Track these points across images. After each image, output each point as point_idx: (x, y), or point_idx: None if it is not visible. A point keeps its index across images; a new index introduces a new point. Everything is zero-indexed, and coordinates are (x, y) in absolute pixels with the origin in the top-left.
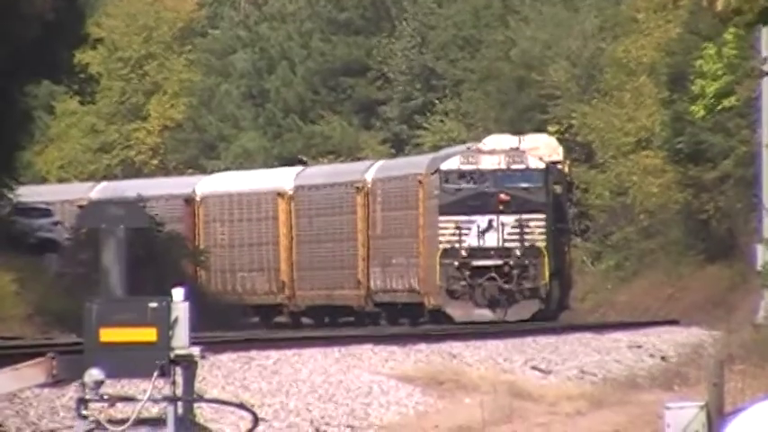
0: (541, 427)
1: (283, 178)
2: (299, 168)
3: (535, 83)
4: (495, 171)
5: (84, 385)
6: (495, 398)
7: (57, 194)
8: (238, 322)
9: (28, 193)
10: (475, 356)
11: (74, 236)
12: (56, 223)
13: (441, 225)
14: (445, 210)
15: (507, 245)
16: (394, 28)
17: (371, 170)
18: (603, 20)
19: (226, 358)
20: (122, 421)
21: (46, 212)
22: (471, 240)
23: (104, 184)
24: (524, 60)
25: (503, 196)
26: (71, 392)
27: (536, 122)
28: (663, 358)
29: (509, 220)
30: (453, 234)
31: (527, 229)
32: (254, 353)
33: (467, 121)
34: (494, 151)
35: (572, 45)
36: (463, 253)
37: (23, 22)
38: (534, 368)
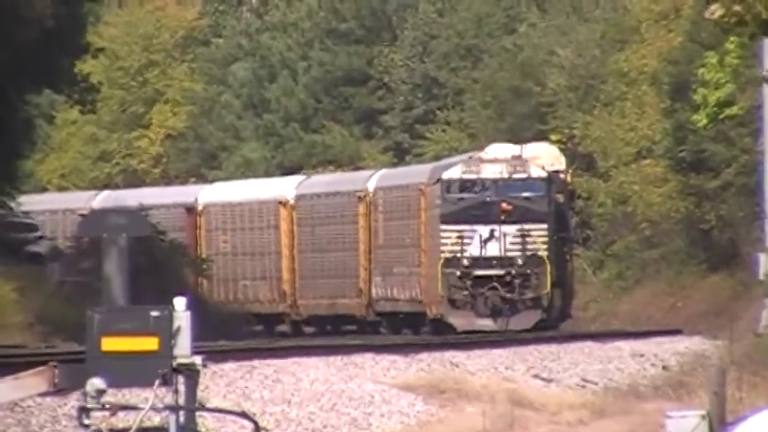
0: None
1: (285, 187)
2: (300, 177)
3: (535, 92)
4: (496, 180)
5: (85, 394)
6: (496, 407)
7: (58, 203)
8: (240, 331)
9: (29, 202)
10: (476, 365)
11: (75, 244)
12: (41, 237)
13: (442, 234)
14: (447, 219)
15: (509, 254)
16: (395, 37)
17: (373, 179)
18: (605, 29)
19: (228, 367)
20: (124, 430)
21: (31, 227)
22: (473, 250)
23: (106, 193)
24: (525, 69)
25: (505, 205)
26: (73, 401)
27: (538, 132)
28: (665, 367)
29: (511, 229)
30: (455, 243)
31: (529, 239)
32: (255, 362)
33: (469, 131)
34: (496, 160)
35: (569, 55)
36: (465, 262)
37: (23, 24)
38: (536, 377)
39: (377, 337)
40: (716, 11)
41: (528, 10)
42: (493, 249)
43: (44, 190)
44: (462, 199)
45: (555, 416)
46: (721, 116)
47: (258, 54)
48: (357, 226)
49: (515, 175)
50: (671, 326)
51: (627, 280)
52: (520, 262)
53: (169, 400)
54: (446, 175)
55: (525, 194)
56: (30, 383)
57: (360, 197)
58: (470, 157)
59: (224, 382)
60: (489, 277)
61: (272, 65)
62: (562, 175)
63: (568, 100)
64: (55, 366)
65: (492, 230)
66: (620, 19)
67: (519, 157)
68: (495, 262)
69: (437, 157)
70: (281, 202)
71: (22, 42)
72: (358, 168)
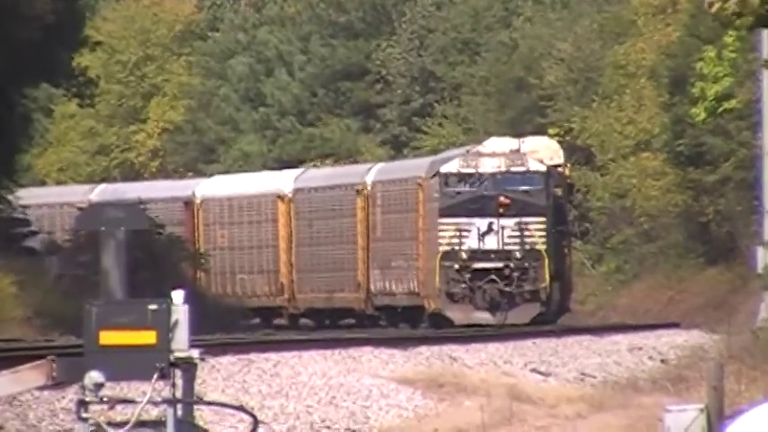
0: (541, 429)
1: (283, 181)
2: (298, 171)
3: (534, 85)
4: (495, 174)
5: (83, 388)
6: (494, 400)
7: (57, 197)
8: (238, 325)
9: (28, 196)
10: (475, 359)
11: (73, 238)
12: (34, 233)
13: (441, 228)
14: (445, 212)
15: (507, 247)
16: (394, 31)
17: (371, 173)
18: (603, 23)
19: (225, 361)
20: (122, 424)
21: (23, 222)
22: (471, 243)
23: (104, 186)
24: (523, 62)
25: (503, 199)
26: (71, 395)
27: (536, 125)
28: (663, 361)
29: (509, 222)
30: (453, 237)
31: (527, 232)
32: (253, 355)
33: (465, 125)
34: (494, 154)
35: (567, 48)
36: (463, 255)
37: (23, 23)
38: (534, 371)
39: (375, 330)
40: (714, 3)
41: (524, 3)
42: (491, 243)
43: (42, 184)
44: (460, 192)
45: (553, 409)
46: (720, 110)
47: (254, 48)
48: (355, 219)
49: (513, 169)
50: (669, 319)
51: (625, 273)
52: (518, 255)
53: (167, 393)
54: (444, 169)
55: (523, 188)
56: (28, 377)
57: (358, 191)
58: (468, 151)
59: (222, 376)
60: (487, 270)
61: (268, 59)
62: (560, 169)
63: (567, 93)
64: (53, 360)
65: (490, 224)
66: (619, 12)
67: (517, 151)
68: (493, 255)
69: (434, 151)
70: (279, 196)
71: (22, 40)
72: (356, 162)
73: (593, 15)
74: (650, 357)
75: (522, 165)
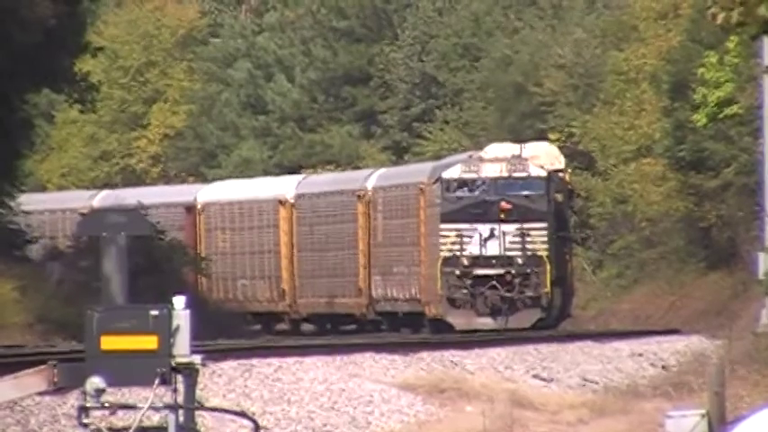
0: None
1: (284, 186)
2: (300, 177)
3: (534, 91)
4: (496, 179)
5: (85, 393)
6: (496, 406)
7: (58, 203)
8: (239, 330)
9: (31, 201)
10: (476, 364)
11: (75, 244)
12: (30, 241)
13: (442, 233)
14: (446, 218)
15: (509, 253)
16: (395, 36)
17: (372, 178)
18: (604, 28)
19: (227, 366)
20: (124, 429)
21: (18, 232)
22: (473, 249)
23: (106, 192)
24: (523, 69)
25: (504, 204)
26: (72, 400)
27: (537, 130)
28: (664, 367)
29: (511, 228)
30: (455, 242)
31: (529, 238)
32: (255, 361)
33: (467, 131)
34: (495, 159)
35: (568, 54)
36: (464, 261)
37: (24, 26)
38: (536, 376)
39: (376, 335)
40: (717, 14)
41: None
42: (492, 248)
43: (44, 189)
44: (462, 198)
45: (555, 415)
46: (721, 115)
47: (253, 54)
48: (356, 225)
49: (515, 174)
50: (670, 325)
51: (626, 279)
52: (520, 261)
53: (168, 399)
54: (446, 174)
55: (525, 193)
56: (29, 383)
57: (359, 196)
58: (470, 156)
59: (223, 381)
60: (489, 276)
61: (268, 65)
62: (561, 174)
63: (567, 98)
64: (54, 365)
65: (492, 229)
66: (620, 17)
67: (518, 157)
68: (494, 261)
69: (436, 157)
70: (280, 201)
71: (23, 43)
72: (357, 168)
73: (593, 21)
74: (651, 363)
75: (524, 170)
